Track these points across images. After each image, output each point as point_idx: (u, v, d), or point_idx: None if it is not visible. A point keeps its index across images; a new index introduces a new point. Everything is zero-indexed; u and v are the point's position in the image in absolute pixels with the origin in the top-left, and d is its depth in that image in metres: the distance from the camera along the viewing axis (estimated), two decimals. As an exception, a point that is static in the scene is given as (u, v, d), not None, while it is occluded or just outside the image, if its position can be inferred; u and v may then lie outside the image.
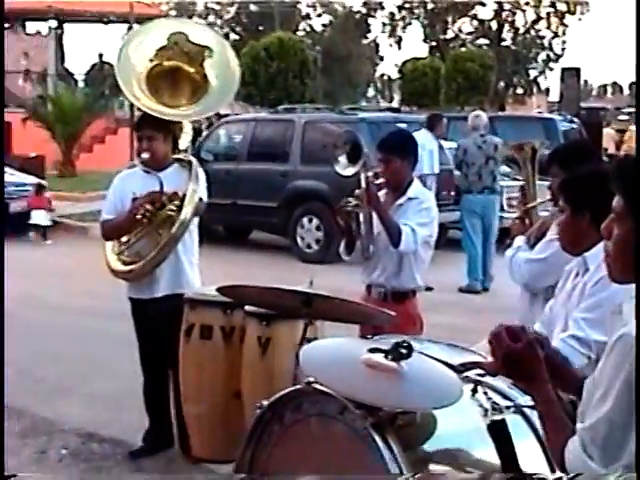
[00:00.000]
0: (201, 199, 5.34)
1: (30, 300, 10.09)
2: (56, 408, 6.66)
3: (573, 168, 3.68)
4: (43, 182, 16.84)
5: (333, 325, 4.25)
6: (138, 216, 5.25)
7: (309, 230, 13.43)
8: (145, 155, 5.38)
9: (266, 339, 4.60)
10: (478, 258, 11.15)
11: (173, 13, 43.98)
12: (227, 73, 5.66)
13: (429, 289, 5.68)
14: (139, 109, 5.95)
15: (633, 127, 20.99)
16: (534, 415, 2.93)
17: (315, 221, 13.26)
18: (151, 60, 5.49)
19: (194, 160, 5.49)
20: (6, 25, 29.16)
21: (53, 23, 32.70)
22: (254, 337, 4.67)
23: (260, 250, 13.71)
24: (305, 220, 13.39)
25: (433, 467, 3.03)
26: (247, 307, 4.69)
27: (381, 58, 52.66)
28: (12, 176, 15.92)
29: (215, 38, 5.91)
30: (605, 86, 54.53)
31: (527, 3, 45.46)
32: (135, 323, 5.67)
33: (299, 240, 13.51)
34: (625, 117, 25.71)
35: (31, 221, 15.75)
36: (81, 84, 31.61)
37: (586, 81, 31.41)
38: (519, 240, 4.61)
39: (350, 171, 5.16)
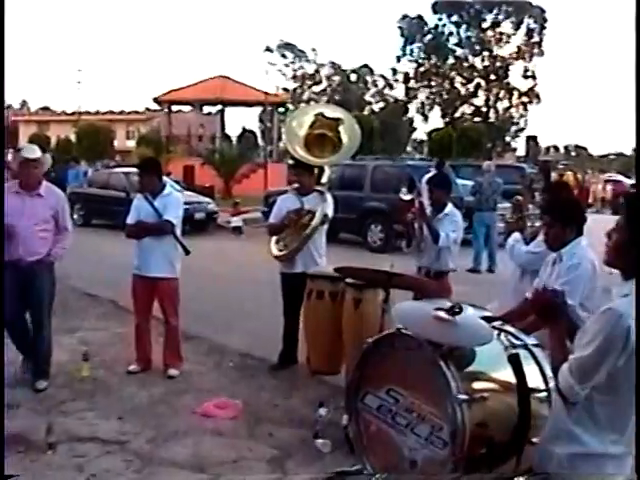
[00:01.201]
0: (326, 215, 8.01)
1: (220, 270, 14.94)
2: (226, 337, 9.59)
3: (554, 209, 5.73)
4: (237, 200, 26.29)
5: (397, 292, 6.40)
6: (286, 222, 8.19)
7: (375, 232, 20.12)
8: (295, 185, 8.32)
9: (358, 300, 7.02)
10: (480, 251, 16.82)
11: (289, 99, 65.10)
12: (353, 135, 8.37)
13: (453, 270, 8.02)
14: (292, 158, 9.37)
15: (569, 172, 35.15)
16: (536, 350, 4.82)
17: (379, 227, 19.97)
18: (307, 129, 8.37)
19: (325, 189, 8.17)
20: (190, 108, 50.68)
21: (218, 107, 50.56)
22: (350, 298, 7.13)
23: (344, 244, 18.70)
24: (372, 226, 20.15)
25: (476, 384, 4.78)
26: (347, 279, 7.14)
27: (414, 128, 79.26)
28: (196, 197, 23.96)
29: (343, 113, 8.61)
30: (549, 147, 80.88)
31: (505, 97, 73.08)
32: (282, 288, 8.27)
33: (368, 238, 20.18)
34: (562, 166, 41.69)
35: (232, 224, 23.86)
36: (235, 142, 48.66)
37: (538, 143, 49.70)
38: (516, 234, 7.08)
39: (408, 197, 7.91)
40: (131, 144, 59.02)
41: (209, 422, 6.59)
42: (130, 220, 8.13)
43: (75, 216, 24.95)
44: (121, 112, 71.26)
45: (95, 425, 6.45)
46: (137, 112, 69.85)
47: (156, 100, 50.04)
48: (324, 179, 8.30)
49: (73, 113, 67.19)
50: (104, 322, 10.43)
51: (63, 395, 7.27)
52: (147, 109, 65.76)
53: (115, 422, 6.55)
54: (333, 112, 8.63)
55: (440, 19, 72.17)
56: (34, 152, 7.46)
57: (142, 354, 8.18)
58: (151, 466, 5.68)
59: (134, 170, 21.55)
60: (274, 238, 8.36)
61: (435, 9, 71.46)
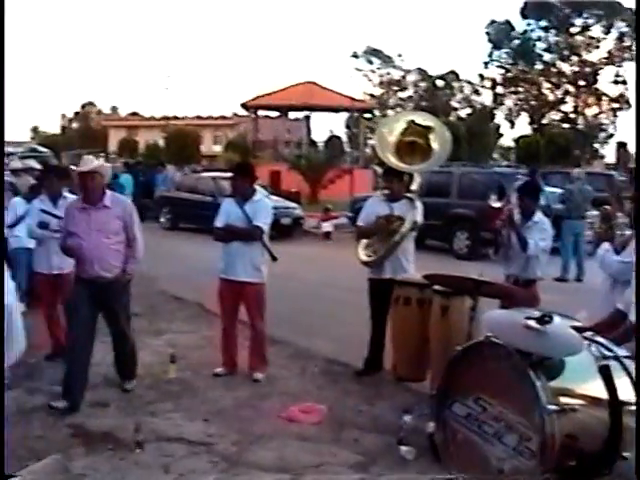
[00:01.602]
0: (416, 221, 7.97)
1: (306, 275, 15.15)
2: (312, 342, 9.61)
3: None
4: (329, 205, 25.84)
5: (484, 300, 6.32)
6: (376, 227, 8.16)
7: (461, 239, 19.85)
8: (386, 191, 8.26)
9: (445, 307, 7.01)
10: (569, 259, 16.40)
11: (376, 105, 65.15)
12: (443, 142, 8.32)
13: (541, 279, 7.88)
14: (382, 164, 9.45)
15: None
16: (628, 362, 4.71)
17: (465, 234, 19.70)
18: (398, 136, 8.36)
19: (414, 196, 8.13)
20: (278, 114, 51.26)
21: (305, 112, 50.79)
22: (438, 306, 7.13)
23: (430, 251, 18.44)
24: (459, 233, 19.86)
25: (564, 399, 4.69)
26: (434, 286, 7.15)
27: (501, 135, 77.53)
28: (282, 202, 23.81)
29: (434, 121, 8.58)
30: (639, 154, 74.13)
31: (594, 103, 72.05)
32: (369, 293, 8.23)
33: (454, 245, 19.95)
34: (653, 173, 40.51)
35: (322, 229, 24.25)
36: (321, 148, 48.00)
37: (628, 150, 47.94)
38: (606, 244, 7.00)
39: (498, 205, 7.86)
40: (218, 149, 59.84)
41: (294, 426, 6.61)
42: (219, 223, 8.19)
43: (162, 220, 25.41)
44: (208, 117, 72.24)
45: (181, 426, 6.53)
46: (224, 117, 70.75)
47: (243, 105, 50.53)
48: (414, 186, 8.24)
49: (161, 118, 68.42)
50: (191, 325, 10.55)
51: (151, 396, 7.39)
52: (234, 114, 66.56)
53: (201, 424, 6.61)
54: (424, 120, 8.59)
55: (529, 24, 71.49)
56: (89, 163, 7.15)
57: (228, 357, 8.25)
58: (236, 468, 5.71)
59: (222, 175, 21.96)
60: (362, 243, 8.34)
61: (524, 13, 70.67)
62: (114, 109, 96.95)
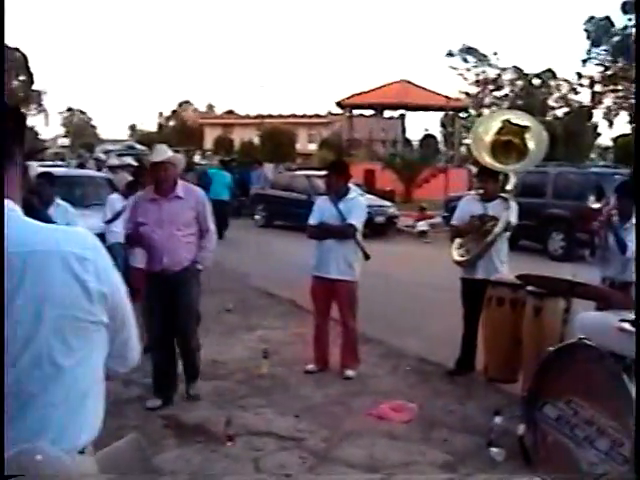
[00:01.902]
0: (510, 222, 7.89)
1: (399, 273, 15.00)
2: (403, 341, 9.58)
3: None
4: (424, 204, 25.74)
5: (578, 302, 6.23)
6: (469, 227, 8.13)
7: (556, 240, 19.54)
8: (480, 190, 8.24)
9: (539, 308, 6.85)
10: None
11: (471, 104, 66.28)
12: (540, 142, 8.23)
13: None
14: (477, 163, 9.33)
15: None
16: None
17: (561, 235, 19.37)
18: (494, 135, 8.26)
19: (509, 196, 8.04)
20: (373, 112, 51.44)
21: (400, 111, 51.33)
22: (531, 307, 6.99)
23: (524, 251, 18.03)
24: (554, 234, 19.55)
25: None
26: (528, 287, 7.03)
27: (598, 134, 74.67)
28: (376, 201, 23.74)
29: (531, 120, 8.47)
30: None
31: None
32: (462, 293, 8.22)
33: (549, 246, 19.65)
34: None
35: (417, 228, 24.04)
36: (416, 147, 47.76)
37: None
38: None
39: (597, 205, 7.77)
40: (313, 147, 60.07)
41: (384, 424, 6.62)
42: (312, 221, 8.25)
43: (257, 217, 25.73)
44: (303, 115, 72.58)
45: (272, 421, 6.60)
46: (319, 115, 71.00)
47: (338, 104, 50.75)
48: (509, 186, 8.15)
49: (257, 116, 69.01)
50: (283, 321, 10.66)
51: (242, 390, 7.49)
52: (329, 113, 66.75)
53: (291, 419, 6.68)
54: (520, 119, 8.49)
55: (630, 19, 69.53)
56: (162, 154, 6.93)
57: (320, 354, 8.31)
58: (325, 464, 5.75)
59: (316, 173, 22.11)
60: (456, 243, 8.30)
61: (625, 9, 68.90)
62: (210, 107, 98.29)
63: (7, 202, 2.17)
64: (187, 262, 6.98)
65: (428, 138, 55.61)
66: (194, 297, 7.15)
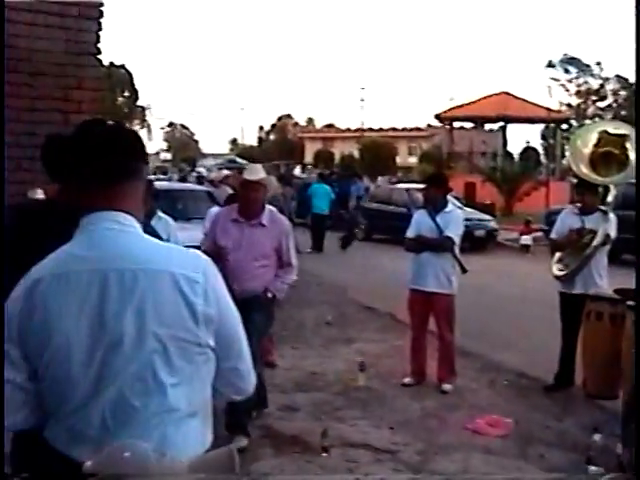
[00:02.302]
0: (608, 235, 7.74)
1: (498, 287, 15.01)
2: (501, 355, 9.50)
3: None
4: (529, 218, 24.28)
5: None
6: (567, 241, 8.05)
7: None
8: (578, 204, 8.14)
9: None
10: None
11: (573, 116, 65.36)
12: None
13: None
14: (575, 176, 8.79)
15: None
16: None
17: None
18: (592, 147, 7.98)
19: (608, 209, 7.89)
20: (472, 124, 51.38)
21: (500, 123, 50.45)
22: (630, 322, 6.63)
23: (626, 266, 16.48)
24: None
25: None
26: (628, 302, 6.73)
27: None
28: (476, 214, 23.62)
29: (628, 128, 8.15)
30: None
31: None
32: (560, 307, 8.09)
33: None
34: None
35: (521, 242, 23.43)
36: (516, 159, 46.89)
37: None
38: None
39: None
40: (413, 160, 60.03)
41: (479, 439, 6.60)
42: (410, 234, 8.29)
43: (357, 230, 25.78)
44: (403, 129, 72.57)
45: (367, 433, 6.64)
46: (419, 129, 70.86)
47: (438, 117, 50.56)
48: (609, 198, 8.00)
49: (357, 130, 69.29)
50: (381, 334, 10.68)
51: (338, 402, 7.55)
52: (429, 125, 66.54)
53: (387, 432, 6.71)
54: (617, 129, 8.25)
55: None
56: (256, 173, 6.53)
57: (417, 367, 8.32)
58: (420, 477, 5.76)
59: (415, 186, 22.10)
60: (556, 257, 8.20)
61: None
62: (310, 121, 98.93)
63: (125, 217, 2.26)
64: (259, 290, 6.38)
65: (529, 150, 55.07)
66: (259, 326, 6.12)
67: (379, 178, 41.79)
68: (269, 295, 6.50)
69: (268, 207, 6.59)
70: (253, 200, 6.45)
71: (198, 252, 2.36)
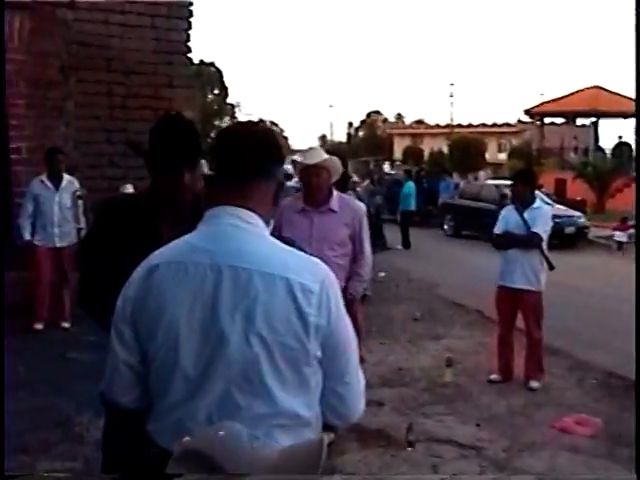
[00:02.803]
0: None
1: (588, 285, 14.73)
2: (590, 354, 9.40)
3: None
4: (626, 215, 22.91)
5: None
6: None
7: None
8: None
9: None
10: None
11: None
12: None
13: None
14: None
15: None
16: None
17: None
18: None
19: None
20: (563, 119, 50.07)
21: (592, 118, 48.47)
22: None
23: None
24: None
25: None
26: None
27: None
28: (566, 211, 23.38)
29: None
30: None
31: None
32: None
33: None
34: None
35: (615, 239, 22.89)
36: (609, 155, 44.84)
37: None
38: None
39: None
40: (502, 157, 59.31)
41: (566, 438, 6.54)
42: (497, 230, 8.26)
43: (446, 227, 25.71)
44: (493, 125, 71.66)
45: (453, 429, 6.65)
46: (509, 124, 69.89)
47: (528, 112, 49.88)
48: None
49: (446, 126, 68.80)
50: (469, 331, 10.66)
51: (424, 398, 7.57)
52: (519, 121, 65.61)
53: (472, 428, 6.70)
54: None
55: None
56: (315, 156, 5.83)
57: (503, 364, 8.27)
58: (505, 474, 5.74)
59: (505, 182, 21.92)
60: None
61: None
62: (399, 117, 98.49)
63: (251, 215, 2.27)
64: (341, 284, 5.52)
65: (622, 146, 53.73)
66: None
67: (480, 173, 41.40)
68: (348, 297, 5.56)
69: (336, 192, 5.99)
70: (316, 186, 5.82)
71: (318, 260, 2.31)
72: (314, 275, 2.21)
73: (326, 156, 5.83)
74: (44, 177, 9.62)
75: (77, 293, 3.62)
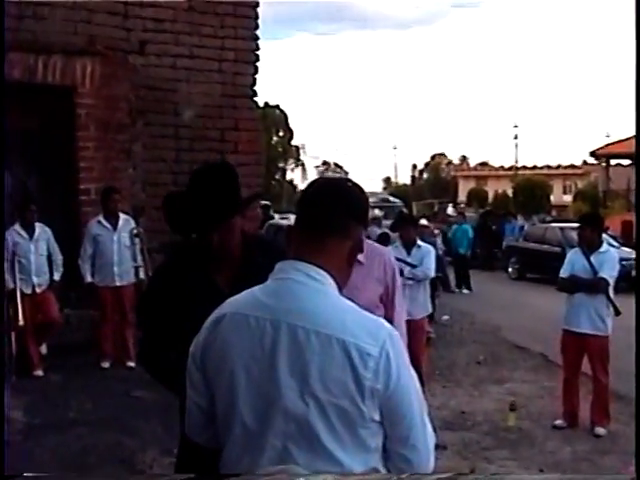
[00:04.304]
0: None
1: None
2: None
3: None
4: None
5: None
6: None
7: None
8: None
9: None
10: None
11: None
12: None
13: None
14: None
15: None
16: None
17: None
18: None
19: None
20: (630, 161, 44.60)
21: None
22: None
23: None
24: None
25: None
26: None
27: None
28: (634, 254, 21.14)
29: None
30: None
31: None
32: None
33: None
34: None
35: None
36: None
37: None
38: None
39: None
40: (567, 199, 58.82)
41: (634, 486, 6.39)
42: (563, 273, 8.19)
43: (510, 269, 25.46)
44: (558, 166, 71.22)
45: (516, 474, 6.55)
46: (574, 166, 69.37)
47: (593, 154, 49.43)
48: None
49: (510, 168, 68.50)
50: (533, 375, 10.52)
51: (487, 442, 7.49)
52: (584, 163, 65.05)
53: (536, 474, 6.59)
54: None
55: None
56: None
57: (569, 409, 8.15)
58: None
59: (570, 225, 21.74)
60: None
61: None
62: (463, 158, 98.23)
63: (318, 271, 2.23)
64: None
65: (691, 188, 53.02)
66: None
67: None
68: None
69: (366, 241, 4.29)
70: None
71: (382, 320, 2.28)
72: (374, 337, 2.16)
73: None
74: (101, 217, 9.79)
75: (137, 354, 3.61)
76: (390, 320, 4.10)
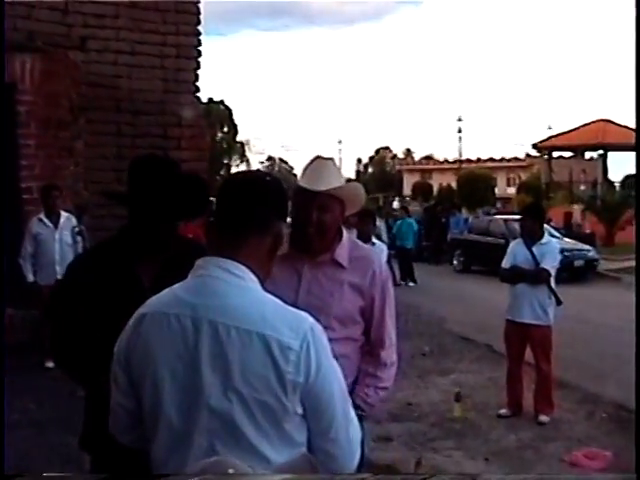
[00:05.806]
0: None
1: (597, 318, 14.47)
2: (600, 387, 9.21)
3: None
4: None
5: None
6: None
7: None
8: None
9: None
10: None
11: None
12: None
13: None
14: None
15: None
16: None
17: None
18: None
19: None
20: (572, 154, 50.66)
21: (600, 152, 49.73)
22: None
23: None
24: None
25: None
26: None
27: None
28: (575, 244, 23.22)
29: None
30: None
31: None
32: None
33: None
34: None
35: None
36: (618, 188, 45.27)
37: None
38: None
39: None
40: (511, 191, 59.41)
41: (576, 471, 6.50)
42: (505, 264, 8.29)
43: (455, 262, 25.69)
44: (501, 159, 71.84)
45: (462, 464, 6.64)
46: (517, 159, 70.08)
47: (536, 146, 50.09)
48: None
49: (455, 161, 69.01)
50: (478, 365, 10.63)
51: (434, 433, 7.56)
52: (527, 155, 65.80)
53: (481, 463, 6.69)
54: None
55: None
56: (326, 179, 3.44)
57: (513, 398, 8.26)
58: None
59: (513, 217, 22.02)
60: None
61: None
62: (408, 152, 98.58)
63: (238, 267, 2.21)
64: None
65: (631, 179, 53.78)
66: None
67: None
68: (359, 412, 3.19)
69: (348, 235, 3.68)
70: (318, 225, 3.43)
71: (304, 314, 2.23)
72: (295, 331, 2.14)
73: (342, 181, 3.56)
74: (42, 215, 9.62)
75: (51, 349, 3.55)
76: (380, 339, 3.74)
